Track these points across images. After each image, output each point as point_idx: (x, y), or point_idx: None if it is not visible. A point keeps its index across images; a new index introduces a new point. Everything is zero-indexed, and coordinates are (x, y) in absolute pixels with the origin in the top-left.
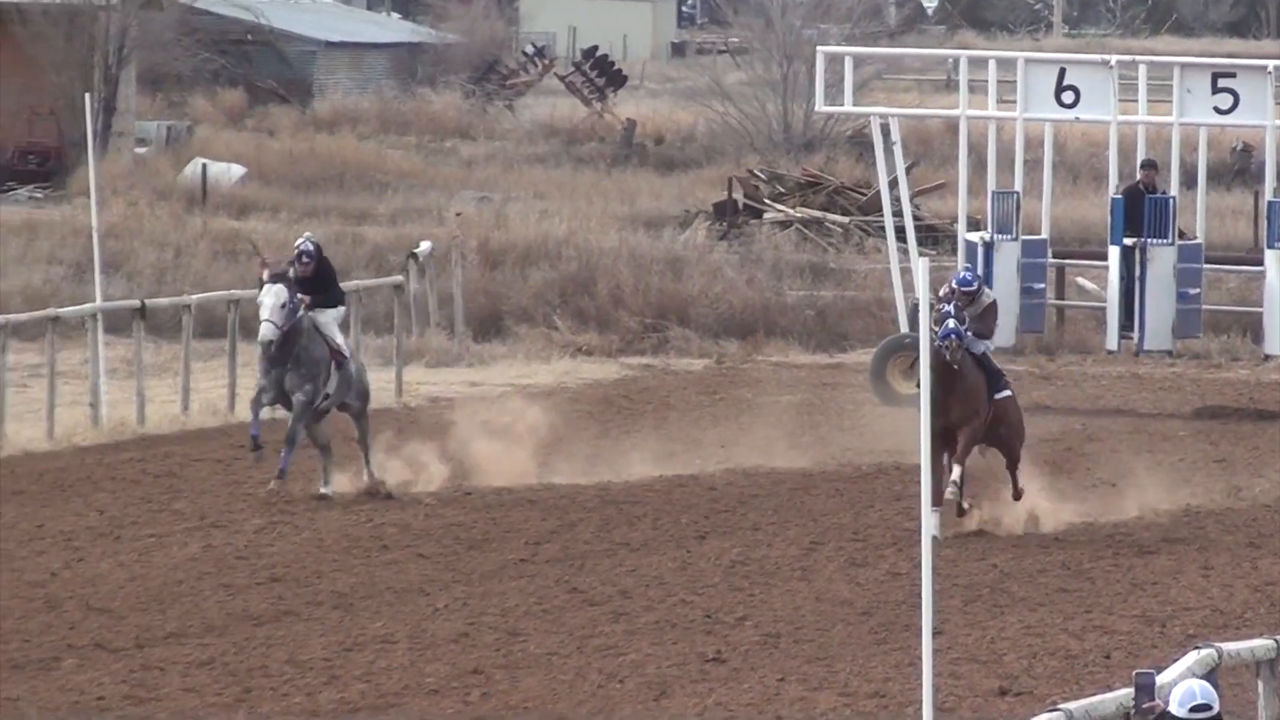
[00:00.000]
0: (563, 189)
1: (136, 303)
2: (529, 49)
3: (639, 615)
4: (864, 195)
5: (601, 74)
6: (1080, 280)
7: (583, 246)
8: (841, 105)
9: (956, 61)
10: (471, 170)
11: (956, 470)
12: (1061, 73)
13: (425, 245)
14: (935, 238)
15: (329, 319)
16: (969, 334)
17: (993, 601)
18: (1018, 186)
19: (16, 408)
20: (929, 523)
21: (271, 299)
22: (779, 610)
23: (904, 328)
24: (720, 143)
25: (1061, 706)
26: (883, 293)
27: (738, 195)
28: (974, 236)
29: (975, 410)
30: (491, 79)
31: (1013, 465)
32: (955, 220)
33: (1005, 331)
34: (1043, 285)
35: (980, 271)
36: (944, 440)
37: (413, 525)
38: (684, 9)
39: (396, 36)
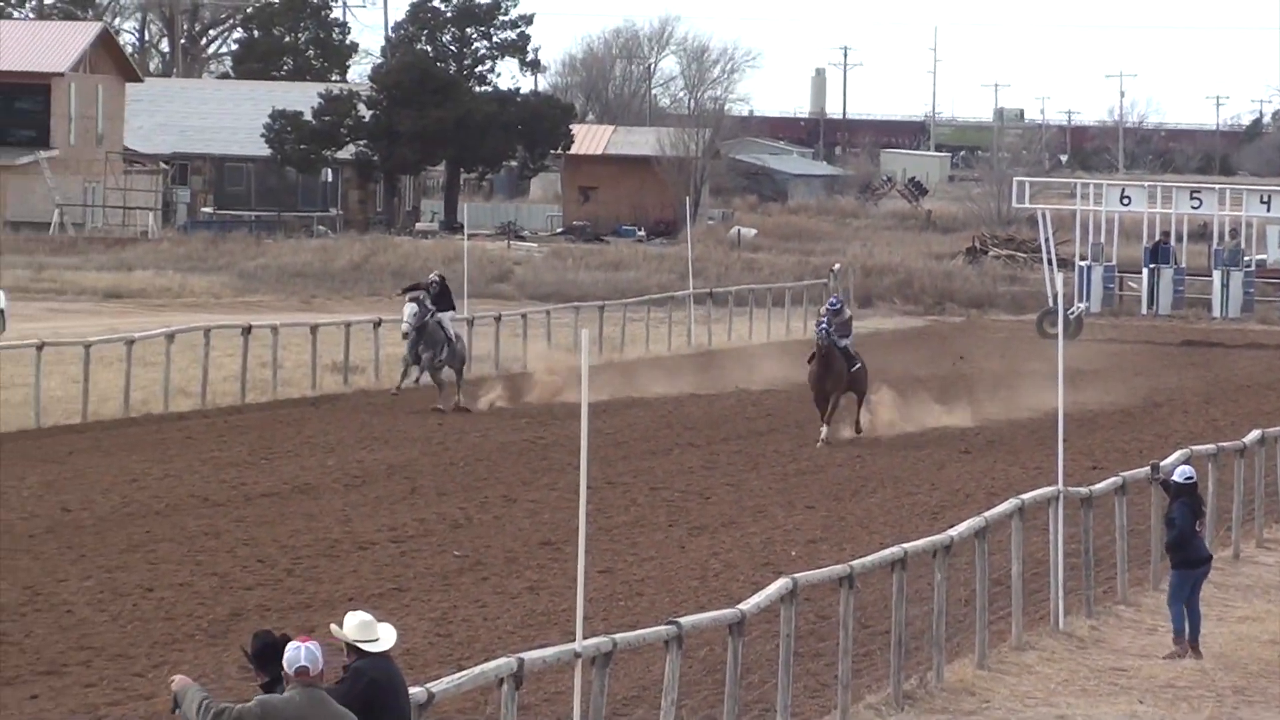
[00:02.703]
0: (897, 241)
1: (708, 290)
2: (884, 177)
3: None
4: (1034, 244)
5: (918, 189)
6: (1130, 282)
7: (908, 267)
8: (1025, 204)
9: (1075, 184)
10: (857, 233)
11: (832, 401)
12: (1123, 189)
13: (838, 265)
14: (1066, 264)
15: (447, 318)
16: (836, 333)
17: (1085, 427)
18: (1101, 240)
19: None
20: (1062, 390)
21: (409, 311)
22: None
23: (1050, 304)
24: (970, 221)
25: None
26: (1041, 288)
27: (977, 244)
28: (1083, 263)
29: (840, 376)
30: (866, 191)
31: (859, 405)
32: (1075, 256)
33: (1094, 304)
34: (1113, 285)
35: (1086, 280)
36: (825, 391)
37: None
38: (954, 160)
39: (823, 171)
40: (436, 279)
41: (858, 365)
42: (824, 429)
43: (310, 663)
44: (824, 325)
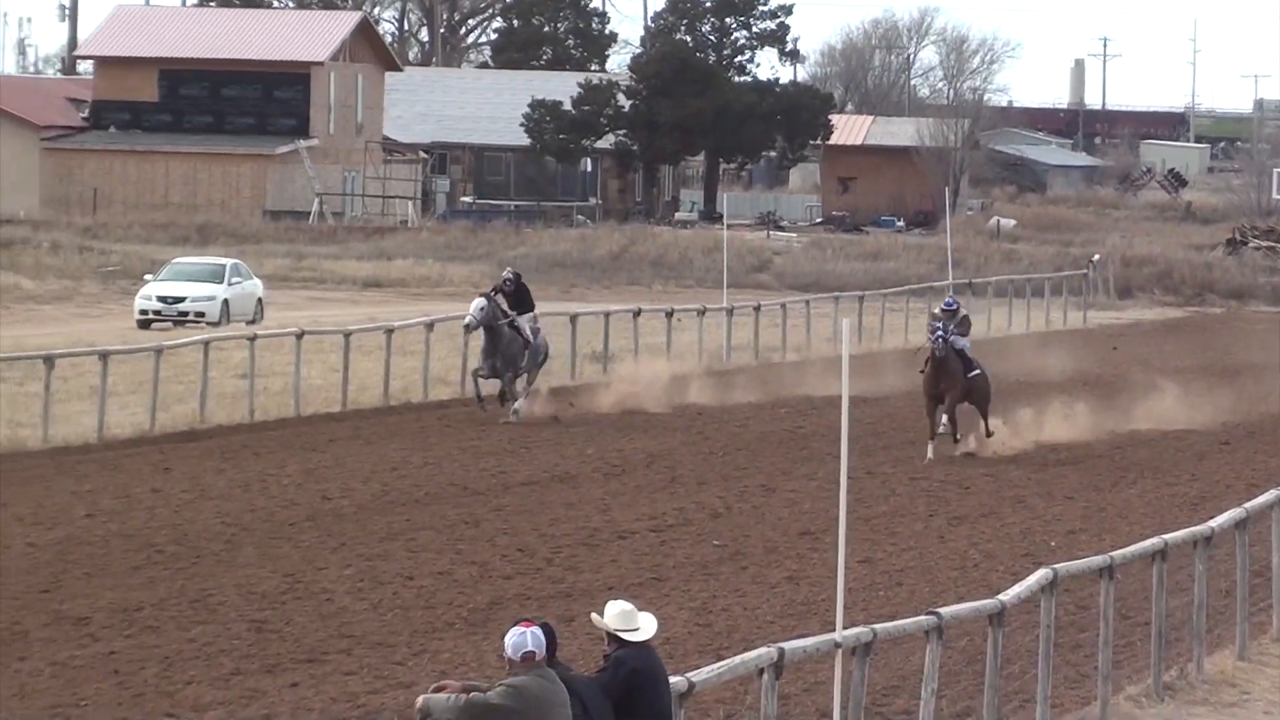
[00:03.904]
0: (1156, 232)
1: (967, 281)
2: (1144, 168)
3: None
4: None
5: (1177, 180)
6: None
7: (1167, 258)
8: None
9: None
10: (1116, 223)
11: (945, 417)
12: None
13: (1097, 256)
14: None
15: (523, 320)
16: (954, 335)
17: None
18: None
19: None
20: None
21: (475, 304)
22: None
23: None
24: (1230, 212)
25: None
26: None
27: (1237, 236)
28: None
29: (955, 384)
30: (1125, 182)
31: (983, 415)
32: None
33: None
34: None
35: None
36: (938, 399)
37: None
38: (1213, 151)
39: (1082, 162)
40: (510, 276)
41: (976, 371)
42: (930, 446)
43: (537, 647)
44: (939, 329)
